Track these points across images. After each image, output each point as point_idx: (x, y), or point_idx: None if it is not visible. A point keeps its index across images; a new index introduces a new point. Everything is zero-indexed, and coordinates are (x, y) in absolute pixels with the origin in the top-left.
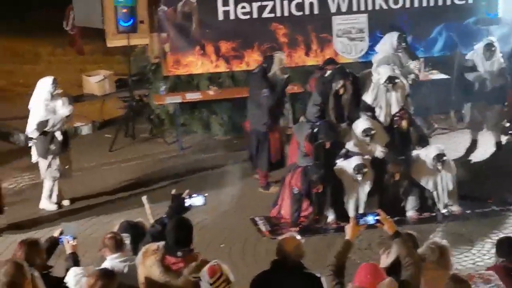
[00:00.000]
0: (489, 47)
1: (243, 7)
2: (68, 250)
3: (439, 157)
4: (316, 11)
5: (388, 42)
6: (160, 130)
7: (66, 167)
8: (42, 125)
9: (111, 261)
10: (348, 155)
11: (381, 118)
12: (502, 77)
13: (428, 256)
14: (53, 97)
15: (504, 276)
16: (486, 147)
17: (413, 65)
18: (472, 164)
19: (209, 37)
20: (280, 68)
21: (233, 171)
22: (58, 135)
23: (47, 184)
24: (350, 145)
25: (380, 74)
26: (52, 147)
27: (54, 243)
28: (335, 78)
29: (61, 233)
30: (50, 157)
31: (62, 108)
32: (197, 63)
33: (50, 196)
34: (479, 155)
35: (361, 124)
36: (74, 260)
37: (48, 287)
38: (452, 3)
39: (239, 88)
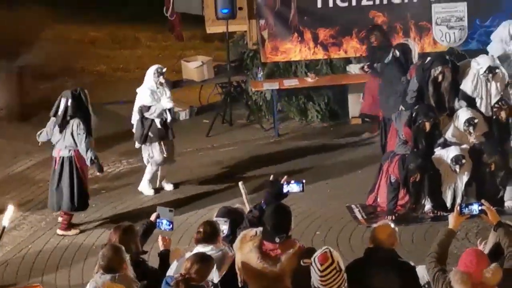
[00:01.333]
0: None
1: None
2: (161, 247)
3: None
4: None
5: (505, 30)
6: (257, 116)
7: (166, 154)
8: (142, 110)
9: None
10: (446, 144)
11: (482, 109)
12: None
13: None
14: (160, 85)
15: None
16: None
17: None
18: None
19: (307, 24)
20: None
21: (330, 158)
22: (158, 123)
23: (148, 169)
24: (448, 135)
25: (480, 64)
26: (151, 134)
27: (151, 226)
28: (434, 65)
29: (157, 217)
30: (148, 143)
31: (166, 100)
32: (295, 50)
33: (150, 181)
34: None
35: (464, 113)
36: (163, 260)
37: (140, 275)
38: None
39: (337, 75)
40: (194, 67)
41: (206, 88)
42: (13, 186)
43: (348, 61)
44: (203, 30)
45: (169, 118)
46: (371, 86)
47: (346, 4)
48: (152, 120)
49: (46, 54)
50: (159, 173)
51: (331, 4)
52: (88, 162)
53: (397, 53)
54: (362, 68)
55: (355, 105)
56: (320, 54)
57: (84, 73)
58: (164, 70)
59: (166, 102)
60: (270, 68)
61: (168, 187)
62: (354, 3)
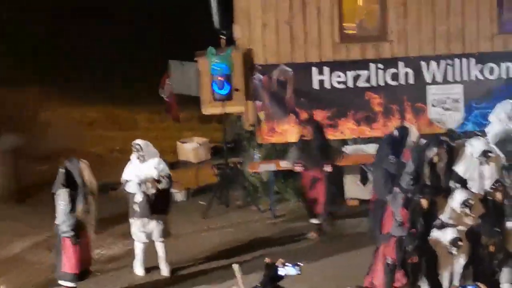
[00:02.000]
0: None
1: (338, 76)
2: None
3: None
4: (411, 81)
5: (502, 111)
6: (253, 198)
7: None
8: (123, 184)
9: None
10: (443, 226)
11: (474, 190)
12: None
13: None
14: (142, 159)
15: None
16: None
17: None
18: None
19: (303, 106)
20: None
21: (328, 240)
22: (138, 198)
23: (136, 247)
24: (445, 217)
25: (473, 146)
26: (135, 208)
27: None
28: (429, 146)
29: None
30: (133, 218)
31: (148, 170)
32: (292, 131)
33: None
34: None
35: (460, 194)
36: None
37: None
38: None
39: None
40: (190, 148)
41: (203, 169)
42: (9, 268)
43: (344, 142)
44: (200, 111)
45: (150, 193)
46: None
47: (342, 85)
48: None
49: (43, 135)
50: (159, 254)
51: (327, 86)
52: (60, 233)
53: (396, 133)
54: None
55: (351, 186)
56: None
57: (81, 154)
58: (138, 143)
59: (148, 171)
60: (266, 149)
61: (164, 270)
62: (350, 84)
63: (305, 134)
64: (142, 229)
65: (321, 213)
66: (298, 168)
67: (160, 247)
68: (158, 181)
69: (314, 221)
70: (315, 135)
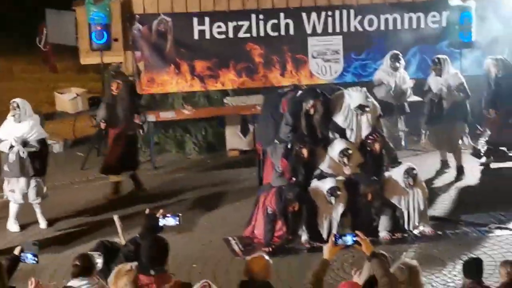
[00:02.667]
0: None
1: (219, 27)
2: None
3: (410, 172)
4: (291, 32)
5: (384, 61)
6: None
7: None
8: None
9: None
10: (322, 176)
11: (352, 140)
12: (460, 94)
13: (398, 276)
14: (17, 118)
15: None
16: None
17: (407, 84)
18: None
19: (184, 56)
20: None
21: (207, 191)
22: (11, 157)
23: (11, 205)
24: (324, 166)
25: (352, 97)
26: (8, 167)
27: (15, 261)
28: (306, 98)
29: (21, 251)
30: (6, 178)
31: (22, 130)
32: (171, 82)
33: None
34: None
35: (338, 144)
36: None
37: None
38: (426, 26)
39: (214, 107)
40: (68, 99)
41: (81, 120)
42: None
43: (225, 93)
44: (78, 61)
45: (21, 153)
46: None
47: (223, 36)
48: (8, 155)
49: None
50: (37, 209)
51: (208, 36)
52: None
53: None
54: None
55: (232, 137)
56: (197, 86)
57: None
58: (16, 101)
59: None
60: (146, 100)
61: (42, 223)
62: (231, 35)
63: (113, 90)
64: (16, 190)
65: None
66: (102, 125)
67: (36, 207)
68: (30, 145)
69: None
70: (123, 93)
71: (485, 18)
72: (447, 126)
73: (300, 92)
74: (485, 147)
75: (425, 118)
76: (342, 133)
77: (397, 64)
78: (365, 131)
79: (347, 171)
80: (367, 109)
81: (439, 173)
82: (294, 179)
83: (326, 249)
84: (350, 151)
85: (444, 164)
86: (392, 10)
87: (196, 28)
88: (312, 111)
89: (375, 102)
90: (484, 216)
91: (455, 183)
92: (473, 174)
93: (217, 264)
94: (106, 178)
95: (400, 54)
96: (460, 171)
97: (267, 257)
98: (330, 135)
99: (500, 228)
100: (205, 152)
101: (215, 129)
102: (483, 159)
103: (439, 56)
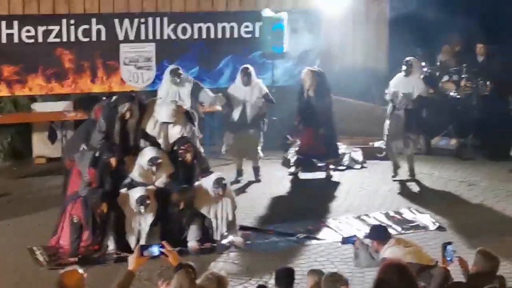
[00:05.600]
0: (245, 72)
1: (28, 31)
2: None
3: (219, 182)
4: (103, 38)
5: (164, 75)
6: None
7: None
8: None
9: None
10: (132, 185)
11: (163, 148)
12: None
13: (206, 286)
14: None
15: None
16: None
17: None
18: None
19: None
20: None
21: (12, 198)
22: None
23: None
24: (134, 174)
25: (161, 112)
26: None
27: None
28: (121, 102)
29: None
30: None
31: None
32: None
33: None
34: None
35: (148, 152)
36: None
37: None
38: (239, 36)
39: (21, 113)
40: None
41: None
42: None
43: (33, 99)
44: None
45: None
46: None
47: (32, 40)
48: None
49: None
50: None
51: (16, 40)
52: None
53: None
54: None
55: (39, 144)
56: (4, 91)
57: None
58: None
59: None
60: None
61: None
62: (40, 39)
63: None
64: None
65: None
66: None
67: None
68: None
69: None
70: None
71: (297, 30)
72: (249, 134)
73: (114, 97)
74: (295, 157)
75: (228, 126)
76: (151, 141)
77: (177, 79)
78: (172, 140)
79: (157, 180)
80: (171, 125)
81: (238, 181)
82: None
83: (131, 260)
84: (159, 160)
85: (239, 174)
86: (205, 19)
87: (4, 31)
88: (128, 115)
89: (192, 111)
90: (293, 226)
91: (265, 190)
92: (282, 183)
93: (21, 275)
94: None
95: (180, 68)
96: (256, 171)
97: (81, 271)
98: (142, 143)
99: (308, 238)
100: (11, 159)
101: (22, 136)
102: (292, 169)
103: (247, 65)
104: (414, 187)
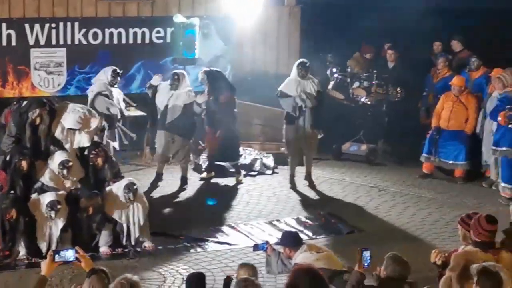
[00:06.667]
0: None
1: None
2: None
3: (130, 187)
4: (14, 43)
5: (103, 76)
6: None
7: None
8: None
9: None
10: (43, 190)
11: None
12: (187, 110)
13: None
14: None
15: None
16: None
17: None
18: (161, 198)
19: None
20: None
21: None
22: None
23: None
24: (46, 179)
25: (67, 119)
26: None
27: None
28: (31, 107)
29: None
30: None
31: None
32: None
33: None
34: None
35: (58, 156)
36: None
37: None
38: (151, 42)
39: None
40: None
41: None
42: None
43: None
44: None
45: None
46: None
47: None
48: None
49: None
50: None
51: None
52: None
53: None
54: None
55: None
56: None
57: None
58: None
59: None
60: None
61: None
62: None
63: None
64: None
65: None
66: None
67: None
68: None
69: None
70: None
71: (208, 36)
72: (178, 139)
73: (25, 102)
74: (206, 162)
75: (152, 131)
76: (60, 146)
77: (115, 81)
78: (85, 143)
79: (68, 184)
80: (77, 131)
81: (156, 186)
82: (12, 192)
83: (44, 265)
84: (70, 163)
85: (159, 177)
86: (117, 24)
87: None
88: (38, 121)
89: (96, 115)
90: (204, 231)
91: (177, 195)
92: (194, 188)
93: None
94: None
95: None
96: (183, 181)
97: None
98: (52, 147)
99: (220, 243)
100: None
101: None
102: (204, 174)
103: (177, 71)
104: (327, 192)
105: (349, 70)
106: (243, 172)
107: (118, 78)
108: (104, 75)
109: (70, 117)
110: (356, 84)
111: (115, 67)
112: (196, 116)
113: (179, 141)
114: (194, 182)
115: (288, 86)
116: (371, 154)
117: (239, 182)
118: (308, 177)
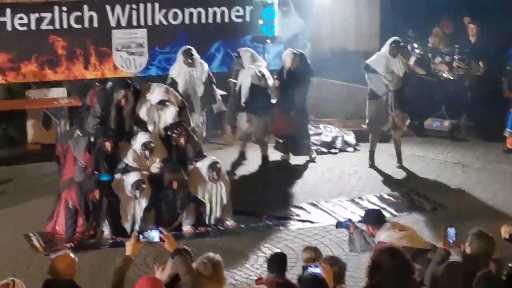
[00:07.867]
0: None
1: (21, 18)
2: None
3: (213, 166)
4: (95, 25)
5: (179, 56)
6: None
7: None
8: None
9: None
10: (126, 170)
11: (154, 133)
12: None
13: (201, 271)
14: None
15: None
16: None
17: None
18: (242, 177)
19: None
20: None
21: (6, 186)
22: None
23: None
24: (129, 159)
25: (154, 93)
26: None
27: None
28: (117, 89)
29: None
30: None
31: None
32: None
33: None
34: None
35: (141, 137)
36: None
37: None
38: (230, 21)
39: (15, 100)
40: None
41: None
42: None
43: (27, 86)
44: None
45: None
46: None
47: (25, 28)
48: None
49: None
50: None
51: (9, 28)
52: None
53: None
54: None
55: (34, 130)
56: None
57: None
58: None
59: None
60: None
61: None
62: (33, 27)
63: None
64: None
65: None
66: None
67: None
68: None
69: None
70: None
71: (288, 14)
72: (253, 118)
73: (109, 83)
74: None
75: (231, 111)
76: (143, 126)
77: (189, 60)
78: (169, 124)
79: (152, 164)
80: (168, 103)
81: (239, 165)
82: (96, 172)
83: (129, 246)
84: (152, 144)
85: (242, 156)
86: (196, 3)
87: None
88: (123, 102)
89: (178, 96)
90: (286, 209)
91: (258, 175)
92: (275, 167)
93: (17, 260)
94: None
95: (193, 49)
96: (265, 161)
97: (72, 255)
98: (136, 128)
99: (302, 221)
100: (5, 146)
101: (16, 123)
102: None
103: (240, 49)
104: (409, 168)
105: (430, 45)
106: (323, 149)
107: (193, 57)
108: (177, 57)
109: (156, 92)
110: (438, 59)
111: (187, 47)
112: (271, 97)
113: (255, 120)
114: (276, 160)
115: (377, 62)
116: (454, 130)
117: (286, 160)
118: (398, 157)
